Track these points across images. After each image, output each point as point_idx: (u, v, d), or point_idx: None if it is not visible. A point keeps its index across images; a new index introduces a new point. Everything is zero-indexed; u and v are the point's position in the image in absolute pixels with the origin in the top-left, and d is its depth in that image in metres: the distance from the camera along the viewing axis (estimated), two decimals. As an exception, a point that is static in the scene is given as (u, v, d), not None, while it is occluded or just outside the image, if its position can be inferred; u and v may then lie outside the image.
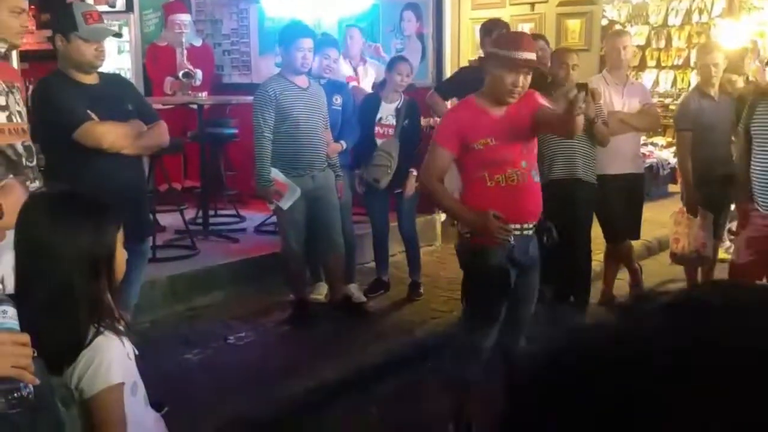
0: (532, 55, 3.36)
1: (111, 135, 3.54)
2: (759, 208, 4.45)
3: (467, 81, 5.14)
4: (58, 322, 1.80)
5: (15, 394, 1.54)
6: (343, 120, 5.38)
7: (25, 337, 1.59)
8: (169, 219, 6.29)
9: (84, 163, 3.50)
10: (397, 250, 6.08)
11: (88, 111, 3.51)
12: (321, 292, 5.50)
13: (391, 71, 5.40)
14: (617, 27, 10.02)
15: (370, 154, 5.39)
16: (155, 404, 2.13)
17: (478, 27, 8.26)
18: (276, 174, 4.77)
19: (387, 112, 5.42)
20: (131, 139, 3.62)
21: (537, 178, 3.52)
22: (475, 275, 3.47)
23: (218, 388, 4.10)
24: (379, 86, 5.69)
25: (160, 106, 6.05)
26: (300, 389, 4.17)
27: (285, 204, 4.81)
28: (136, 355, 2.01)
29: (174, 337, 4.75)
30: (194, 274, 5.39)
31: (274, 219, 5.93)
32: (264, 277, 5.59)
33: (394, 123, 5.40)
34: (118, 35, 3.96)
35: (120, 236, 1.97)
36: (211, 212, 6.76)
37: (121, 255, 1.98)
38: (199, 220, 6.52)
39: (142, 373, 2.05)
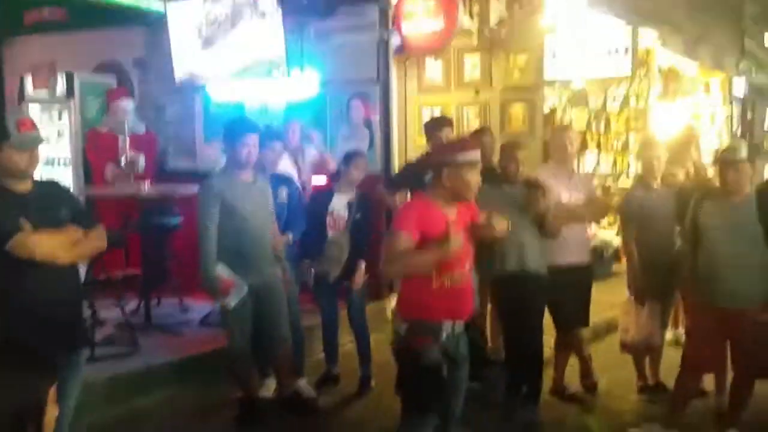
0: (479, 154, 3.67)
1: (45, 245, 3.39)
2: (707, 299, 4.49)
3: (418, 174, 5.18)
4: None
5: None
6: (289, 212, 5.31)
7: None
8: (108, 312, 6.05)
9: (16, 275, 3.34)
10: (346, 340, 5.96)
11: (21, 220, 3.36)
12: (269, 388, 5.32)
13: (348, 165, 5.38)
14: (558, 112, 10.29)
15: (320, 245, 5.34)
16: None
17: (425, 110, 8.44)
18: (222, 270, 4.65)
19: (339, 204, 5.38)
20: (66, 248, 3.47)
21: (474, 279, 3.72)
22: (411, 372, 3.57)
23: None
24: (333, 178, 5.66)
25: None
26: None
27: (231, 301, 4.67)
28: None
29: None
30: (135, 373, 5.17)
31: (218, 309, 5.76)
32: (209, 374, 5.39)
33: (346, 216, 5.36)
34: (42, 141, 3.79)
35: (53, 393, 1.83)
36: (154, 302, 6.54)
37: (52, 410, 1.83)
38: (141, 312, 6.29)
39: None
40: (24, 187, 3.50)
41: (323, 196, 5.49)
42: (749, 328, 4.37)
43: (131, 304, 6.46)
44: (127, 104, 7.31)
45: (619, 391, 5.67)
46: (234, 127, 4.90)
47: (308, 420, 5.00)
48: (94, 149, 7.19)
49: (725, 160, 4.47)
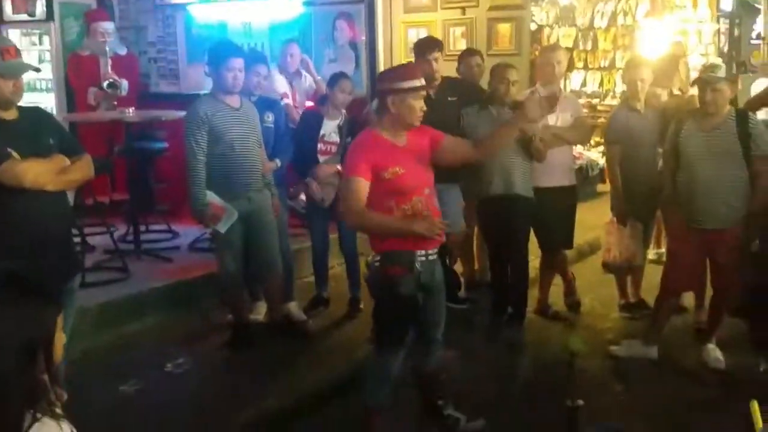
0: (423, 82, 3.66)
1: (32, 172, 3.38)
2: (686, 220, 4.56)
3: None
4: None
5: None
6: (276, 137, 5.28)
7: None
8: (98, 238, 6.08)
9: (5, 203, 3.33)
10: (335, 263, 6.03)
11: (8, 149, 3.34)
12: (260, 311, 5.41)
13: (333, 88, 5.32)
14: (546, 30, 10.18)
15: (312, 170, 5.33)
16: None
17: (411, 31, 8.30)
18: (212, 197, 4.65)
19: (330, 129, 5.35)
20: (54, 175, 3.46)
21: (437, 204, 3.70)
22: (386, 302, 3.64)
23: (158, 422, 3.99)
24: (320, 102, 5.60)
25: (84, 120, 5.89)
26: (244, 418, 4.08)
27: (222, 227, 4.69)
28: None
29: (107, 367, 4.58)
30: (126, 299, 5.22)
31: (208, 235, 5.80)
32: (200, 299, 5.47)
33: (338, 140, 5.34)
34: (37, 70, 3.82)
35: (60, 319, 1.87)
36: (142, 228, 6.56)
37: (60, 338, 1.88)
38: (130, 238, 6.32)
39: (75, 410, 1.97)
40: (9, 115, 3.46)
41: (312, 120, 5.43)
42: (727, 247, 4.48)
43: (120, 230, 6.47)
44: (108, 26, 7.17)
45: (601, 309, 5.81)
46: (218, 51, 4.82)
47: (299, 342, 5.08)
48: (76, 73, 7.08)
49: (703, 81, 4.45)
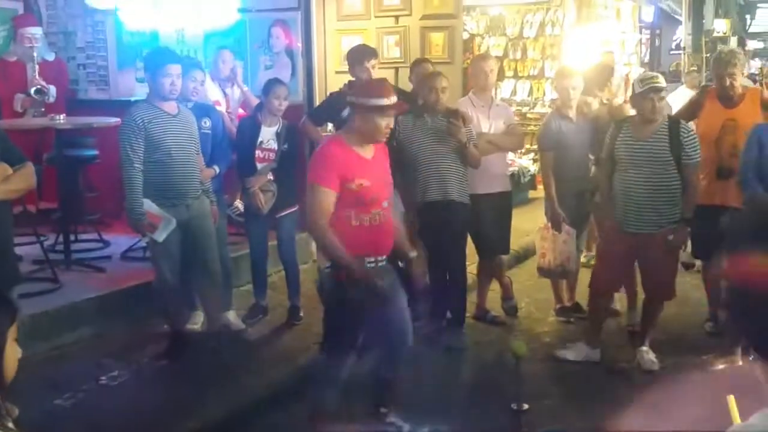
0: (395, 99, 3.71)
1: None
2: (619, 226, 4.70)
3: (339, 107, 5.18)
4: None
5: None
6: (213, 144, 5.23)
7: None
8: (26, 249, 5.88)
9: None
10: (272, 270, 5.99)
11: None
12: (197, 321, 5.34)
13: (267, 95, 5.30)
14: (477, 39, 10.34)
15: (250, 177, 5.30)
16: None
17: (345, 39, 8.33)
18: (149, 206, 4.58)
19: (268, 135, 5.32)
20: None
21: (393, 215, 3.81)
22: (335, 307, 3.71)
23: (93, 435, 3.90)
24: (256, 109, 5.57)
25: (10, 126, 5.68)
26: (183, 430, 4.02)
27: (160, 236, 4.62)
28: None
29: (41, 381, 4.43)
30: (58, 310, 5.07)
31: (141, 244, 5.69)
32: (135, 309, 5.35)
33: (276, 147, 5.32)
34: None
35: (13, 331, 1.82)
36: (72, 237, 6.39)
37: (12, 352, 1.82)
38: (59, 248, 6.15)
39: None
40: None
41: (249, 127, 5.40)
42: (656, 251, 4.63)
43: (49, 240, 6.30)
44: (35, 31, 6.97)
45: (538, 313, 5.94)
46: (155, 57, 4.77)
47: (238, 352, 5.04)
48: (3, 79, 6.88)
49: (651, 89, 4.55)
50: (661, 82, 4.63)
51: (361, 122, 3.65)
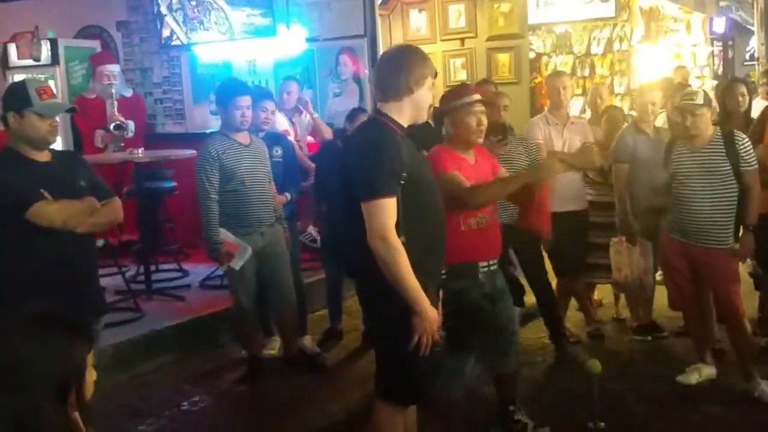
0: (477, 96, 3.79)
1: (64, 213, 3.42)
2: (674, 237, 4.63)
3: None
4: None
5: None
6: (285, 171, 5.31)
7: None
8: (108, 280, 6.07)
9: (36, 243, 3.36)
10: (347, 294, 6.03)
11: (41, 190, 3.38)
12: (274, 347, 5.40)
13: (352, 122, 5.34)
14: (544, 58, 10.28)
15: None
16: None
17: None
18: (225, 235, 4.68)
19: None
20: (84, 217, 3.50)
21: (498, 219, 3.86)
22: (453, 312, 3.65)
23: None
24: (338, 135, 5.65)
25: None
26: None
27: (237, 264, 4.71)
28: None
29: (124, 408, 4.57)
30: (141, 339, 5.22)
31: (219, 272, 5.81)
32: (214, 336, 5.47)
33: None
34: (73, 110, 3.92)
35: (91, 356, 1.88)
36: (152, 268, 6.57)
37: (90, 374, 1.89)
38: (141, 278, 6.32)
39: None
40: (43, 157, 3.51)
41: (331, 151, 5.45)
42: (717, 269, 4.49)
43: (130, 270, 6.49)
44: (113, 68, 7.25)
45: (611, 332, 5.79)
46: (226, 89, 4.89)
47: (315, 376, 5.07)
48: (83, 116, 7.13)
49: (682, 108, 4.53)
50: (697, 99, 4.53)
51: (453, 127, 3.75)
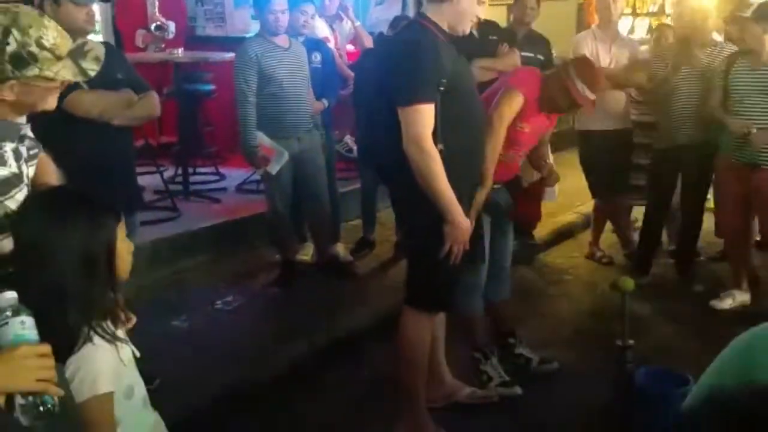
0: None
1: (101, 104, 3.43)
2: (730, 158, 4.54)
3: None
4: (49, 323, 1.65)
5: (41, 408, 1.49)
6: (323, 78, 5.24)
7: (47, 348, 1.53)
8: (147, 179, 6.14)
9: (72, 132, 3.35)
10: (381, 206, 6.03)
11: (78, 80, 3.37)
12: (307, 252, 5.46)
13: (395, 30, 5.22)
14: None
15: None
16: (146, 378, 2.08)
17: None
18: (262, 138, 4.67)
19: None
20: (121, 109, 3.50)
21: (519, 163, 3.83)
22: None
23: (209, 356, 4.06)
24: (378, 42, 5.55)
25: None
26: (291, 355, 4.15)
27: (273, 169, 4.72)
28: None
29: (160, 303, 4.66)
30: (177, 238, 5.29)
31: (255, 177, 5.84)
32: (248, 239, 5.53)
33: None
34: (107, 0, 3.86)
35: (122, 230, 1.88)
36: (190, 170, 6.62)
37: (125, 249, 1.89)
38: (178, 179, 6.38)
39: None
40: None
41: (370, 61, 5.33)
42: None
43: (169, 171, 6.55)
44: (155, -32, 7.16)
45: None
46: None
47: (346, 283, 5.13)
48: (124, 16, 7.10)
49: (736, 20, 4.38)
50: (746, 12, 4.36)
51: (555, 92, 3.62)
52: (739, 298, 4.75)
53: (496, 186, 3.62)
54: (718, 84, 4.60)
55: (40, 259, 1.79)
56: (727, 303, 4.73)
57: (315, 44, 5.30)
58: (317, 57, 5.23)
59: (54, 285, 1.77)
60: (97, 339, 1.81)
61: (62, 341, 1.72)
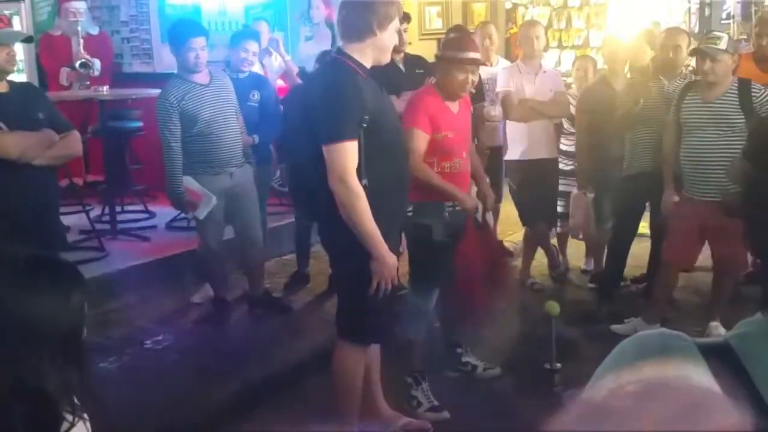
0: (477, 55, 3.81)
1: (21, 145, 3.36)
2: (689, 193, 4.48)
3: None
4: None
5: None
6: (261, 116, 5.19)
7: None
8: (73, 218, 6.00)
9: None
10: (315, 239, 6.00)
11: None
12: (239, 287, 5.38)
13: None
14: (520, 10, 10.19)
15: None
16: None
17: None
18: (189, 183, 4.60)
19: None
20: (41, 149, 3.43)
21: (469, 166, 3.93)
22: (420, 247, 3.81)
23: (139, 397, 3.95)
24: (304, 79, 5.56)
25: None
26: (225, 393, 4.07)
27: (201, 214, 4.66)
28: None
29: (87, 345, 4.52)
30: (104, 278, 5.17)
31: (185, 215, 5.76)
32: (179, 277, 5.43)
33: None
34: (29, 39, 3.80)
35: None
36: (118, 208, 6.50)
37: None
38: (106, 218, 6.25)
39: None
40: (1, 88, 3.42)
41: (298, 97, 5.36)
42: (725, 219, 4.38)
43: (96, 210, 6.41)
44: (79, 5, 7.07)
45: (578, 280, 5.83)
46: (178, 31, 4.76)
47: (280, 318, 5.08)
48: (48, 53, 6.99)
49: (701, 52, 4.33)
50: (719, 44, 4.36)
51: (443, 74, 3.76)
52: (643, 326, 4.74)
53: (452, 207, 3.76)
54: (672, 117, 4.59)
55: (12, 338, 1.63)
56: (629, 329, 4.54)
57: (256, 82, 5.27)
58: (255, 95, 5.20)
59: (29, 364, 1.61)
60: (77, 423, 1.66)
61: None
